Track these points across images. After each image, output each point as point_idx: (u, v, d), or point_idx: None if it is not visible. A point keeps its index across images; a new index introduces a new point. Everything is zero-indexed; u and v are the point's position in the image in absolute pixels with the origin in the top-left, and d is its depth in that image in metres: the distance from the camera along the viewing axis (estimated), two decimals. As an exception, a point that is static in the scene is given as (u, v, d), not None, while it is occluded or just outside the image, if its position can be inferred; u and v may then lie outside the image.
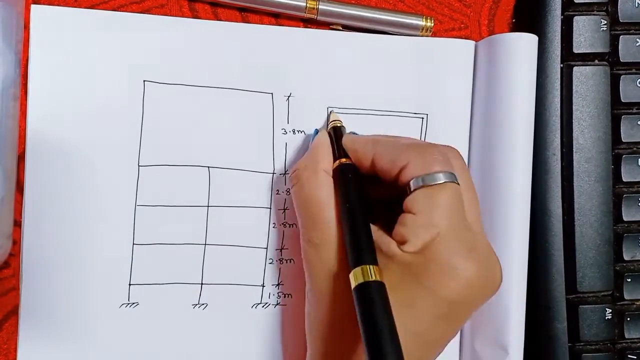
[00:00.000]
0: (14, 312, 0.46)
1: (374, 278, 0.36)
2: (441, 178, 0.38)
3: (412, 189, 0.38)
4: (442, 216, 0.37)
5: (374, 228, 0.40)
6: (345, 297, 0.38)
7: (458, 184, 0.39)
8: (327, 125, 0.48)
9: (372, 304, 0.34)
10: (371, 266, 0.36)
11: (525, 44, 0.48)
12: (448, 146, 0.42)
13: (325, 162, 0.43)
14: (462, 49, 0.50)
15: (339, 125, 0.47)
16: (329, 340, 0.41)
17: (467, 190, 0.40)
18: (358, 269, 0.36)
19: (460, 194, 0.39)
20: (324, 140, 0.45)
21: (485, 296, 0.40)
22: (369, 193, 0.43)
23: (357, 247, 0.38)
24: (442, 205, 0.38)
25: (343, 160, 0.43)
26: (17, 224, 0.46)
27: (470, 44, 0.50)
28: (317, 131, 0.47)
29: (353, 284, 0.36)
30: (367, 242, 0.38)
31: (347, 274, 0.37)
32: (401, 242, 0.38)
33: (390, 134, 0.46)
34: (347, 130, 0.47)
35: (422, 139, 0.50)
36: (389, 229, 0.40)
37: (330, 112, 0.49)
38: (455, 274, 0.37)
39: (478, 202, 0.42)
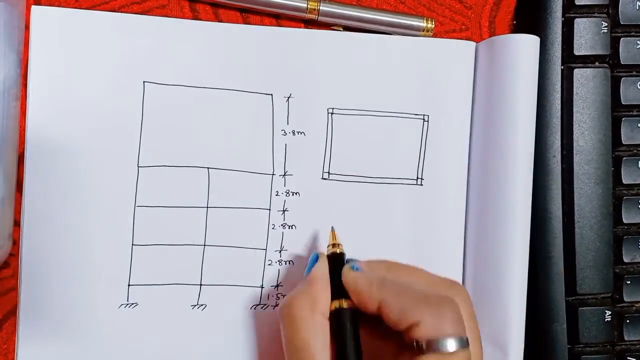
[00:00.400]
0: (14, 312, 0.46)
1: None
2: (453, 345, 0.37)
3: (422, 350, 0.37)
4: None
5: None
6: None
7: (469, 348, 0.38)
8: (327, 247, 0.45)
9: None
10: None
11: (527, 45, 0.48)
12: (454, 283, 0.42)
13: (323, 303, 0.41)
14: (462, 50, 0.50)
15: (338, 251, 0.44)
16: None
17: (475, 347, 0.40)
18: None
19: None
20: (322, 273, 0.42)
21: None
22: (367, 332, 0.42)
23: None
24: None
25: (343, 303, 0.41)
26: (18, 224, 0.46)
27: (471, 44, 0.50)
28: (316, 256, 0.44)
29: None
30: None
31: None
32: None
33: (390, 136, 0.47)
34: (348, 253, 0.45)
35: (423, 139, 0.50)
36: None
37: (331, 229, 0.46)
38: None
39: (482, 355, 0.42)
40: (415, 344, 0.37)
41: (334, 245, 0.45)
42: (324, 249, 0.46)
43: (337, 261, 0.43)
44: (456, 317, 0.38)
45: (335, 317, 0.41)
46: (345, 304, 0.41)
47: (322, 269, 0.43)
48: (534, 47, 0.48)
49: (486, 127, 0.49)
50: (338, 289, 0.41)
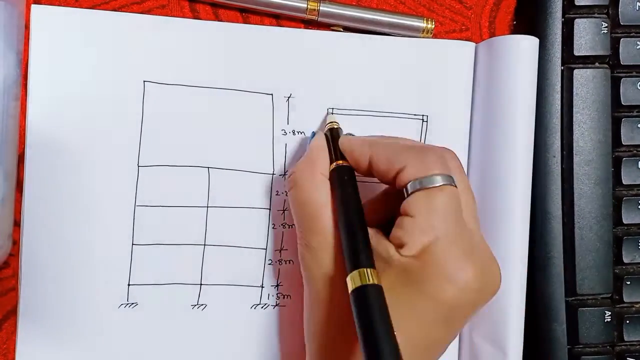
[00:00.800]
0: (14, 312, 0.46)
1: (371, 281, 0.35)
2: (439, 181, 0.38)
3: (409, 192, 0.38)
4: (440, 220, 0.37)
5: (371, 232, 0.40)
6: (343, 300, 0.38)
7: (456, 186, 0.39)
8: (324, 127, 0.47)
9: (369, 307, 0.34)
10: (368, 269, 0.36)
11: (526, 45, 0.48)
12: (445, 148, 0.42)
13: (322, 165, 0.43)
14: (462, 50, 0.50)
15: (335, 127, 0.46)
16: (328, 344, 0.41)
17: (465, 193, 0.40)
18: (355, 273, 0.36)
19: (458, 196, 0.39)
20: (321, 142, 0.45)
21: (484, 299, 0.39)
22: (367, 194, 0.43)
23: (355, 251, 0.38)
24: (440, 208, 0.37)
25: (339, 162, 0.43)
26: (18, 223, 0.46)
27: (471, 45, 0.50)
28: (314, 134, 0.47)
29: (350, 288, 0.36)
30: (365, 246, 0.38)
31: (345, 278, 0.37)
32: (399, 246, 0.38)
33: (389, 135, 0.46)
34: (344, 132, 0.47)
35: (422, 140, 0.50)
36: (386, 232, 0.40)
37: (327, 113, 0.49)
38: (454, 278, 0.37)
39: (475, 204, 0.42)
40: (404, 189, 0.39)
41: (331, 122, 0.47)
42: None
43: (334, 133, 0.46)
44: (440, 159, 0.39)
45: (335, 173, 0.42)
46: (343, 162, 0.43)
47: (320, 140, 0.45)
48: (533, 47, 0.48)
49: (485, 128, 0.49)
50: (336, 154, 0.43)
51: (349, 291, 0.36)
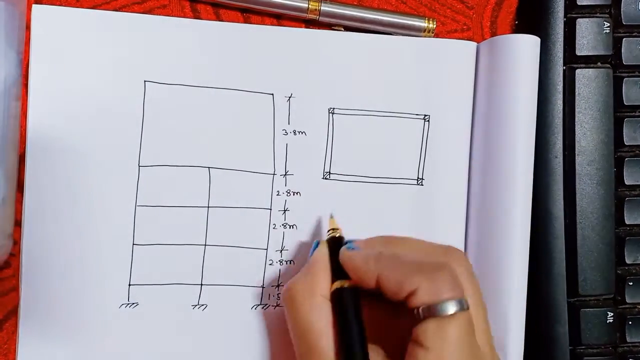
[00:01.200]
0: (14, 312, 0.46)
1: None
2: (451, 308, 0.37)
3: (421, 317, 0.37)
4: (454, 352, 0.37)
5: (376, 354, 0.40)
6: None
7: (468, 308, 0.38)
8: (327, 231, 0.46)
9: None
10: None
11: (527, 45, 0.48)
12: (449, 248, 0.42)
13: (322, 285, 0.42)
14: (463, 50, 0.50)
15: (337, 235, 0.45)
16: None
17: (476, 309, 0.40)
18: None
19: (471, 321, 0.38)
20: (322, 258, 0.43)
21: None
22: (370, 310, 0.42)
23: None
24: (453, 340, 0.37)
25: (342, 283, 0.41)
26: (18, 223, 0.46)
27: (472, 45, 0.50)
28: (317, 243, 0.45)
29: None
30: None
31: None
32: None
33: (391, 136, 0.47)
34: (347, 237, 0.45)
35: (424, 140, 0.50)
36: (390, 348, 0.40)
37: (330, 217, 0.47)
38: None
39: (487, 320, 0.41)
40: (415, 311, 0.38)
41: (333, 230, 0.45)
42: None
43: (336, 245, 0.44)
44: (452, 280, 0.38)
45: (337, 296, 0.41)
46: (345, 283, 0.41)
47: (322, 253, 0.43)
48: (535, 47, 0.48)
49: (487, 127, 0.49)
50: (338, 271, 0.42)
51: None
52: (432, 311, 0.37)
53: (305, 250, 0.49)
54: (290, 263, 0.49)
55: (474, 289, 0.41)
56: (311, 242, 0.49)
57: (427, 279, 0.38)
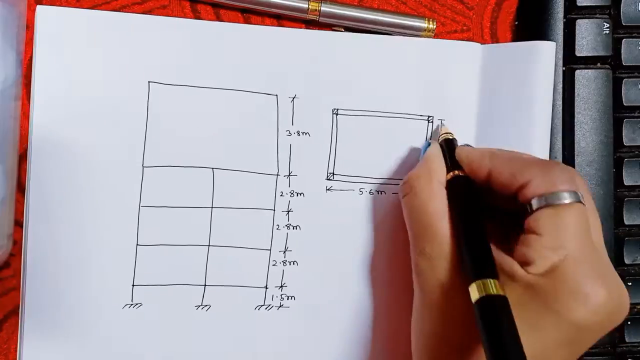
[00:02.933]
0: (14, 312, 0.46)
1: (497, 292, 0.35)
2: (567, 198, 0.37)
3: (535, 208, 0.38)
4: (571, 238, 0.36)
5: (492, 246, 0.39)
6: (462, 311, 0.38)
7: (584, 204, 0.38)
8: (438, 137, 0.47)
9: (497, 319, 0.34)
10: (492, 280, 0.35)
11: (544, 51, 0.48)
12: (569, 166, 0.41)
13: (440, 173, 0.43)
14: (467, 51, 0.50)
15: (450, 137, 0.46)
16: (445, 356, 0.40)
17: (592, 212, 0.39)
18: (479, 282, 0.35)
19: (587, 215, 0.38)
20: (437, 151, 0.44)
21: (612, 324, 0.38)
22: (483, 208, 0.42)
23: (477, 260, 0.37)
24: (570, 226, 0.37)
25: (457, 172, 0.43)
26: (18, 223, 0.46)
27: (477, 46, 0.50)
28: (429, 143, 0.47)
29: (474, 297, 0.35)
30: (487, 256, 0.37)
31: (464, 288, 0.36)
32: (525, 263, 0.37)
33: (394, 137, 0.48)
34: (460, 143, 0.46)
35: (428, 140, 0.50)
36: (503, 247, 0.39)
37: (441, 124, 0.49)
38: (586, 299, 0.36)
39: (600, 224, 0.40)
40: (528, 204, 0.38)
41: (446, 133, 0.47)
42: (328, 250, 0.49)
43: (450, 144, 0.46)
44: (569, 174, 0.38)
45: (453, 183, 0.42)
46: (460, 172, 0.43)
47: (436, 149, 0.45)
48: (551, 52, 0.48)
49: (495, 131, 0.49)
50: (453, 164, 0.43)
51: (473, 301, 0.35)
52: (547, 201, 0.37)
53: (309, 251, 0.49)
54: (293, 264, 0.49)
55: (588, 195, 0.40)
56: (314, 244, 0.49)
57: (541, 171, 0.38)
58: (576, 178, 0.39)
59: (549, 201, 0.37)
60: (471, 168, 0.42)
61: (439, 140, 0.47)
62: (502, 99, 0.49)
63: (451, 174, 0.43)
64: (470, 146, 0.45)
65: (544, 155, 0.48)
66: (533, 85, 0.48)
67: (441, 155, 0.44)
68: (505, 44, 0.49)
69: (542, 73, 0.48)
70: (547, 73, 0.48)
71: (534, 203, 0.37)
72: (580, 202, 0.37)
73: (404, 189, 0.43)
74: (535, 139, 0.48)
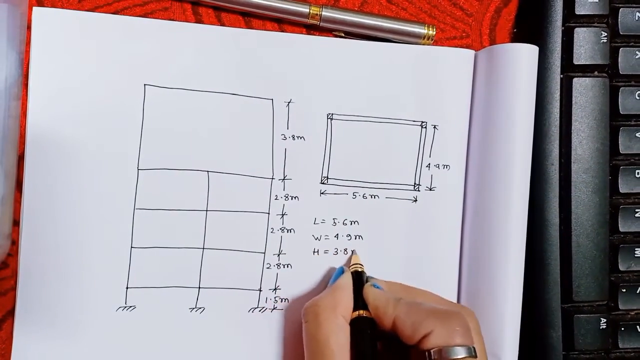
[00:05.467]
0: (13, 312, 0.46)
1: None
2: (461, 353, 0.39)
3: (433, 358, 0.39)
4: None
5: None
6: None
7: (476, 356, 0.40)
8: (350, 264, 0.48)
9: None
10: None
11: (525, 54, 0.48)
12: (463, 306, 0.46)
13: (345, 308, 0.44)
14: (461, 58, 0.50)
15: (360, 270, 0.47)
16: None
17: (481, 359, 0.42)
18: None
19: None
20: (347, 283, 0.46)
21: None
22: (383, 350, 0.45)
23: None
24: None
25: (362, 312, 0.44)
26: (17, 224, 0.46)
27: (470, 53, 0.50)
28: (342, 270, 0.48)
29: None
30: None
31: None
32: None
33: (389, 142, 0.49)
34: (368, 272, 0.48)
35: (421, 146, 0.50)
36: None
37: (352, 253, 0.50)
38: None
39: None
40: (427, 354, 0.40)
41: (357, 264, 0.48)
42: (322, 251, 0.50)
43: (359, 277, 0.47)
44: (464, 329, 0.41)
45: (356, 324, 0.43)
46: (366, 314, 0.44)
47: (347, 280, 0.46)
48: (533, 56, 0.48)
49: (484, 135, 0.49)
50: (359, 302, 0.44)
51: None
52: (443, 354, 0.39)
53: (303, 254, 0.49)
54: (287, 267, 0.49)
55: (480, 345, 0.43)
56: (308, 247, 0.50)
57: (441, 324, 0.40)
58: (471, 329, 0.41)
59: (445, 355, 0.39)
60: (377, 313, 0.43)
61: (351, 270, 0.48)
62: (491, 103, 0.49)
63: (356, 313, 0.44)
64: (378, 286, 0.46)
65: (526, 162, 0.48)
66: (516, 90, 0.48)
67: (350, 287, 0.45)
68: (491, 46, 0.49)
69: (525, 77, 0.48)
70: (529, 76, 0.48)
71: (433, 354, 0.39)
72: (472, 356, 0.40)
73: (307, 314, 0.44)
74: (517, 145, 0.48)
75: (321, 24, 0.49)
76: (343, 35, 0.50)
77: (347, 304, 0.44)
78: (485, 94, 0.49)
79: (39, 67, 0.45)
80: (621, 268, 0.51)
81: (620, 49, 0.51)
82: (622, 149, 0.51)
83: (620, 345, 0.51)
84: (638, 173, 0.51)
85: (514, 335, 0.48)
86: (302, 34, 0.50)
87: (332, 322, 0.43)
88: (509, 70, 0.48)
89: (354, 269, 0.47)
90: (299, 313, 0.45)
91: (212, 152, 0.48)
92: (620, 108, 0.51)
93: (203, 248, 0.48)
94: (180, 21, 0.48)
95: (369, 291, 0.45)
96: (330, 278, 0.48)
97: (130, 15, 0.48)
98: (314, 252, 0.49)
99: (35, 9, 0.45)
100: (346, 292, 0.45)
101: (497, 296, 0.47)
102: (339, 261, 0.50)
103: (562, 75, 0.50)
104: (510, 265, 0.47)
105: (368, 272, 0.48)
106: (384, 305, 0.43)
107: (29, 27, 0.46)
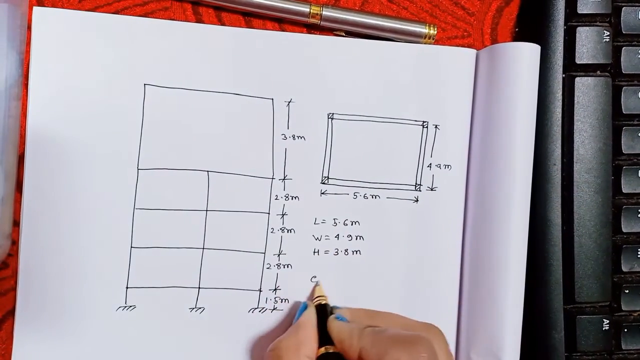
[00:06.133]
0: (13, 312, 0.46)
1: None
2: None
3: None
4: None
5: None
6: None
7: None
8: (313, 298, 0.48)
9: None
10: None
11: (527, 53, 0.48)
12: (430, 325, 0.44)
13: (309, 347, 0.43)
14: (463, 57, 0.50)
15: (323, 302, 0.47)
16: None
17: None
18: None
19: None
20: (310, 319, 0.45)
21: None
22: None
23: None
24: None
25: (328, 348, 0.43)
26: (17, 224, 0.46)
27: (472, 52, 0.50)
28: (305, 306, 0.47)
29: None
30: None
31: None
32: None
33: (390, 142, 0.49)
34: (369, 271, 0.49)
35: (423, 146, 0.50)
36: None
37: (316, 284, 0.50)
38: None
39: None
40: None
41: (320, 297, 0.48)
42: (322, 252, 0.49)
43: (323, 311, 0.46)
44: (431, 353, 0.40)
45: None
46: (331, 349, 0.43)
47: (310, 316, 0.45)
48: (535, 55, 0.48)
49: (485, 134, 0.49)
50: (324, 337, 0.44)
51: None
52: None
53: (303, 254, 0.49)
54: (287, 267, 0.49)
55: (448, 356, 0.43)
56: (308, 247, 0.49)
57: (407, 351, 0.39)
58: (437, 347, 0.41)
59: None
60: (342, 346, 0.43)
61: (315, 303, 0.47)
62: (493, 103, 0.49)
63: (323, 349, 0.43)
64: (342, 318, 0.45)
65: (528, 161, 0.48)
66: (518, 89, 0.48)
67: (314, 324, 0.45)
68: (492, 45, 0.49)
69: (527, 76, 0.48)
70: (531, 76, 0.48)
71: None
72: None
73: (269, 358, 0.43)
74: (518, 144, 0.48)
75: (322, 23, 0.49)
76: (344, 34, 0.50)
77: (310, 343, 0.43)
78: (487, 94, 0.49)
79: (39, 67, 0.45)
80: (624, 269, 0.51)
81: (623, 48, 0.51)
82: (625, 149, 0.50)
83: (623, 347, 0.51)
84: (641, 173, 0.51)
85: (515, 336, 0.47)
86: (303, 33, 0.50)
87: None
88: (511, 70, 0.48)
89: (317, 302, 0.47)
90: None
91: (212, 152, 0.48)
92: (622, 107, 0.50)
93: (203, 248, 0.48)
94: (181, 21, 0.48)
95: (332, 325, 0.44)
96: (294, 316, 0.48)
97: (130, 15, 0.47)
98: (314, 252, 0.49)
99: (36, 9, 0.45)
100: (309, 329, 0.44)
101: (498, 296, 0.47)
102: (339, 261, 0.50)
103: (564, 75, 0.50)
104: (512, 266, 0.47)
105: (369, 271, 0.49)
106: (349, 338, 0.42)
107: (29, 27, 0.46)
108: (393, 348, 0.40)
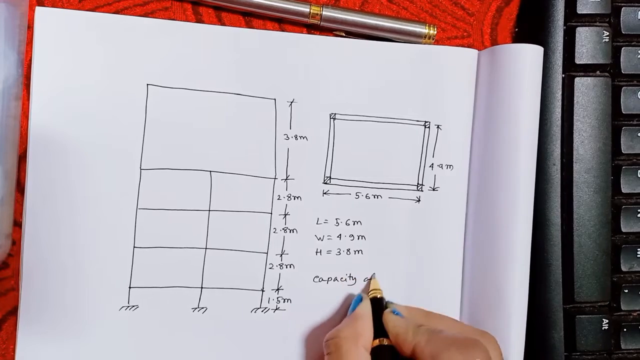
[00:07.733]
0: (13, 312, 0.46)
1: None
2: None
3: None
4: None
5: None
6: None
7: None
8: (368, 290, 0.49)
9: None
10: None
11: (530, 55, 0.48)
12: (485, 332, 0.45)
13: (366, 337, 0.44)
14: (464, 57, 0.50)
15: (379, 296, 0.48)
16: None
17: None
18: None
19: None
20: (366, 311, 0.46)
21: None
22: None
23: None
24: None
25: (384, 341, 0.44)
26: (17, 224, 0.46)
27: (473, 52, 0.50)
28: (360, 298, 0.48)
29: None
30: None
31: None
32: None
33: (391, 142, 0.49)
34: (387, 296, 0.49)
35: (425, 146, 0.50)
36: None
37: (372, 277, 0.50)
38: None
39: None
40: None
41: (375, 290, 0.48)
42: (324, 251, 0.49)
43: (378, 304, 0.47)
44: (484, 357, 0.40)
45: (377, 352, 0.44)
46: (386, 341, 0.44)
47: (366, 308, 0.46)
48: (538, 57, 0.48)
49: (488, 135, 0.49)
50: (379, 329, 0.45)
51: None
52: None
53: (305, 255, 0.49)
54: (290, 267, 0.49)
55: None
56: (311, 247, 0.49)
57: (461, 354, 0.40)
58: (491, 351, 0.41)
59: None
60: (396, 340, 0.44)
61: (370, 296, 0.48)
62: (495, 103, 0.49)
63: (377, 341, 0.44)
64: (398, 312, 0.46)
65: (531, 162, 0.48)
66: (520, 90, 0.48)
67: (370, 315, 0.46)
68: (495, 46, 0.49)
69: (529, 77, 0.48)
70: (534, 77, 0.48)
71: None
72: None
73: (329, 346, 0.44)
74: (522, 145, 0.48)
75: (322, 23, 0.49)
76: (344, 35, 0.50)
77: (367, 334, 0.44)
78: (489, 94, 0.49)
79: (41, 67, 0.45)
80: (623, 268, 0.51)
81: (622, 48, 0.51)
82: (624, 149, 0.51)
83: (623, 346, 0.51)
84: (640, 173, 0.51)
85: (519, 336, 0.48)
86: (303, 33, 0.50)
87: (354, 354, 0.43)
88: (514, 71, 0.48)
89: (372, 295, 0.48)
90: (301, 313, 0.46)
91: (214, 152, 0.47)
92: (622, 108, 0.51)
93: (205, 248, 0.47)
94: (181, 21, 0.48)
95: (388, 318, 0.45)
96: (350, 305, 0.48)
97: (131, 15, 0.47)
98: (316, 252, 0.49)
99: (38, 9, 0.45)
100: (366, 321, 0.45)
101: (501, 297, 0.47)
102: (339, 261, 0.50)
103: (563, 75, 0.50)
104: (515, 266, 0.47)
105: (371, 271, 0.49)
106: (404, 332, 0.43)
107: (29, 27, 0.46)
108: (448, 349, 0.40)
